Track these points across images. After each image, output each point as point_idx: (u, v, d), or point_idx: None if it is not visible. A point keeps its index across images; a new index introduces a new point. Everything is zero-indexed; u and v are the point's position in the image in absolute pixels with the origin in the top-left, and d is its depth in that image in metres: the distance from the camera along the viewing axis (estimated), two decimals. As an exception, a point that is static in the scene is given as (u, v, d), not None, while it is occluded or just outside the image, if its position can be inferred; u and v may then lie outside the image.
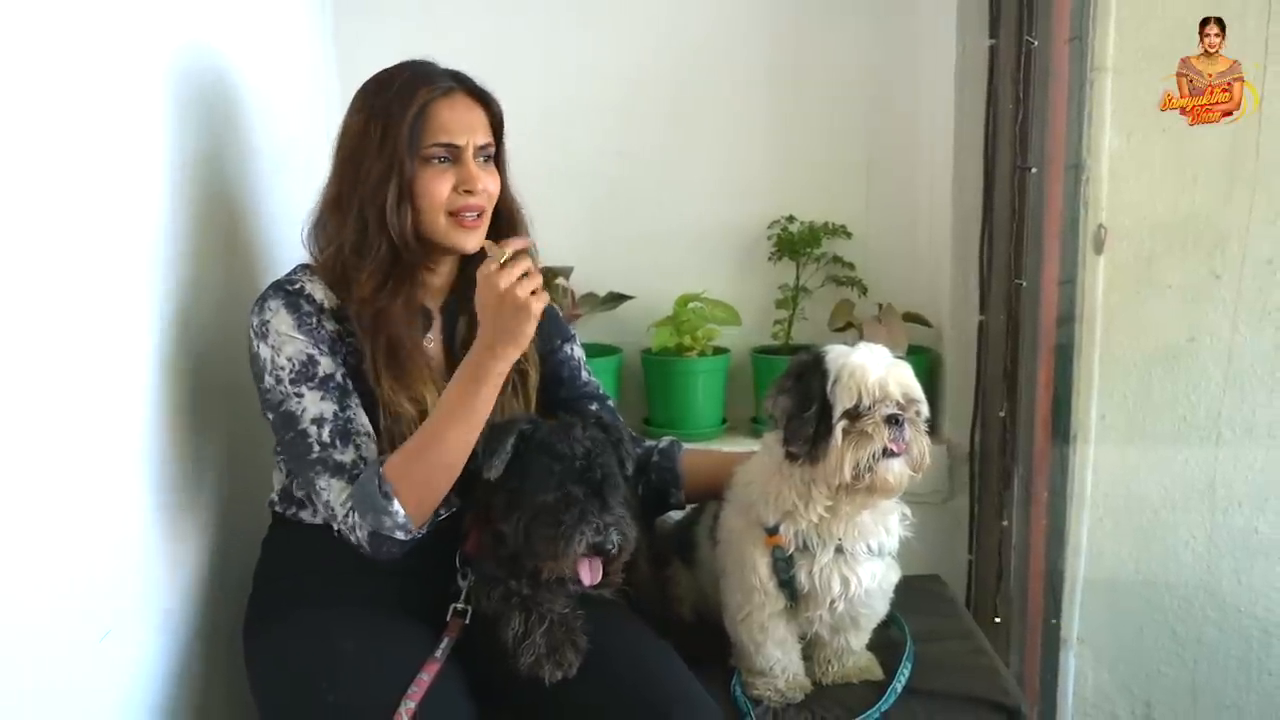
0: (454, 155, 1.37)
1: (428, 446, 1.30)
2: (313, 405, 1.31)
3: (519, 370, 1.48)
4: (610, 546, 1.25)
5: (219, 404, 1.50)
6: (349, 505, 1.29)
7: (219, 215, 1.57)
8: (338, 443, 1.31)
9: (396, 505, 1.27)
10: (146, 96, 1.35)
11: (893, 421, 1.26)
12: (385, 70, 1.40)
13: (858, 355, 1.29)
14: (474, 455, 1.33)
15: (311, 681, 1.24)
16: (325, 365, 1.34)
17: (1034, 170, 1.88)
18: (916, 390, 1.29)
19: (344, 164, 1.39)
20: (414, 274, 1.39)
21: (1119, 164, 1.88)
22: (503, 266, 1.28)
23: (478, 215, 1.39)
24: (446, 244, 1.39)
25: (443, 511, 1.37)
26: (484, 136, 1.40)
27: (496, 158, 1.44)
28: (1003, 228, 1.92)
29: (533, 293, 1.28)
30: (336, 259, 1.37)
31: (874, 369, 1.27)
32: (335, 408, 1.32)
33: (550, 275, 2.11)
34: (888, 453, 1.26)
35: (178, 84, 1.43)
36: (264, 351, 1.34)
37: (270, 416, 1.35)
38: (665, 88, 2.24)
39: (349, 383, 1.35)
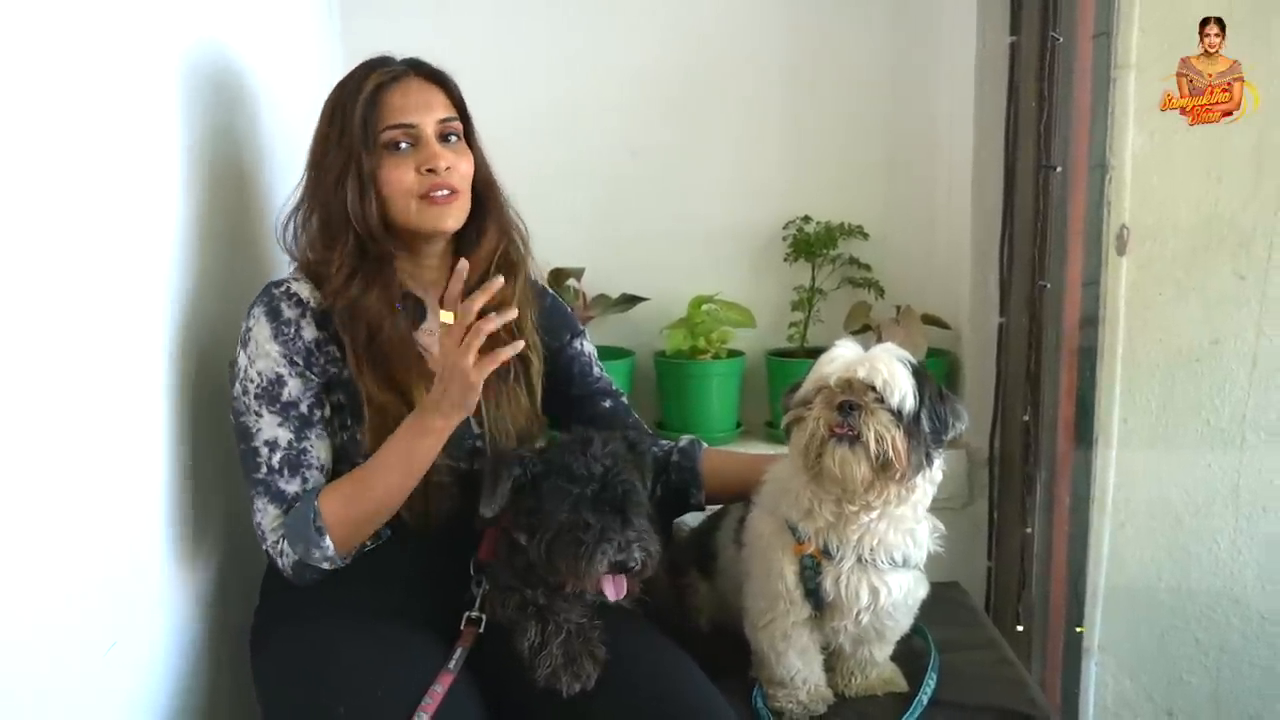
0: (413, 138, 1.35)
1: (364, 490, 1.31)
2: (269, 428, 1.32)
3: (520, 358, 1.44)
4: (633, 564, 1.23)
5: (226, 412, 1.47)
6: (280, 534, 1.30)
7: (232, 216, 1.56)
8: (285, 471, 1.32)
9: (327, 541, 1.29)
10: (162, 98, 1.33)
11: (842, 408, 1.24)
12: (348, 72, 1.39)
13: (834, 347, 1.30)
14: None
15: (321, 693, 1.22)
16: (292, 388, 1.33)
17: (1059, 169, 1.86)
18: (868, 376, 1.24)
19: (309, 166, 1.39)
20: (385, 265, 1.37)
21: (1142, 164, 1.86)
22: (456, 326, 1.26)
23: (450, 193, 1.36)
24: (424, 228, 1.36)
25: (370, 544, 1.36)
26: (443, 111, 1.38)
27: (467, 137, 1.42)
28: (1024, 228, 1.90)
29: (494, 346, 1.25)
30: (308, 257, 1.38)
31: (828, 356, 1.28)
32: (291, 436, 1.32)
33: (561, 276, 2.09)
34: (836, 439, 1.24)
35: (192, 84, 1.42)
36: (241, 359, 1.34)
37: (232, 420, 1.35)
38: (678, 85, 2.22)
39: (314, 413, 1.35)
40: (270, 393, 1.32)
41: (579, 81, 2.21)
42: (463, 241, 1.43)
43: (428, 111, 1.36)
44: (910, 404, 1.24)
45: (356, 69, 1.38)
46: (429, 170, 1.34)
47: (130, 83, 1.25)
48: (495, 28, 2.18)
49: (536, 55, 2.18)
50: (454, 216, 1.38)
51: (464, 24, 2.18)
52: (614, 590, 1.26)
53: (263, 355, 1.32)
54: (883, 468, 1.24)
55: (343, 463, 1.36)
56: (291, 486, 1.32)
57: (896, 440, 1.23)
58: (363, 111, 1.32)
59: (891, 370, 1.25)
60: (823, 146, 2.23)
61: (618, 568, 1.23)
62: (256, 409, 1.32)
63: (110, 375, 1.18)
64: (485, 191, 1.44)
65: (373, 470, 1.31)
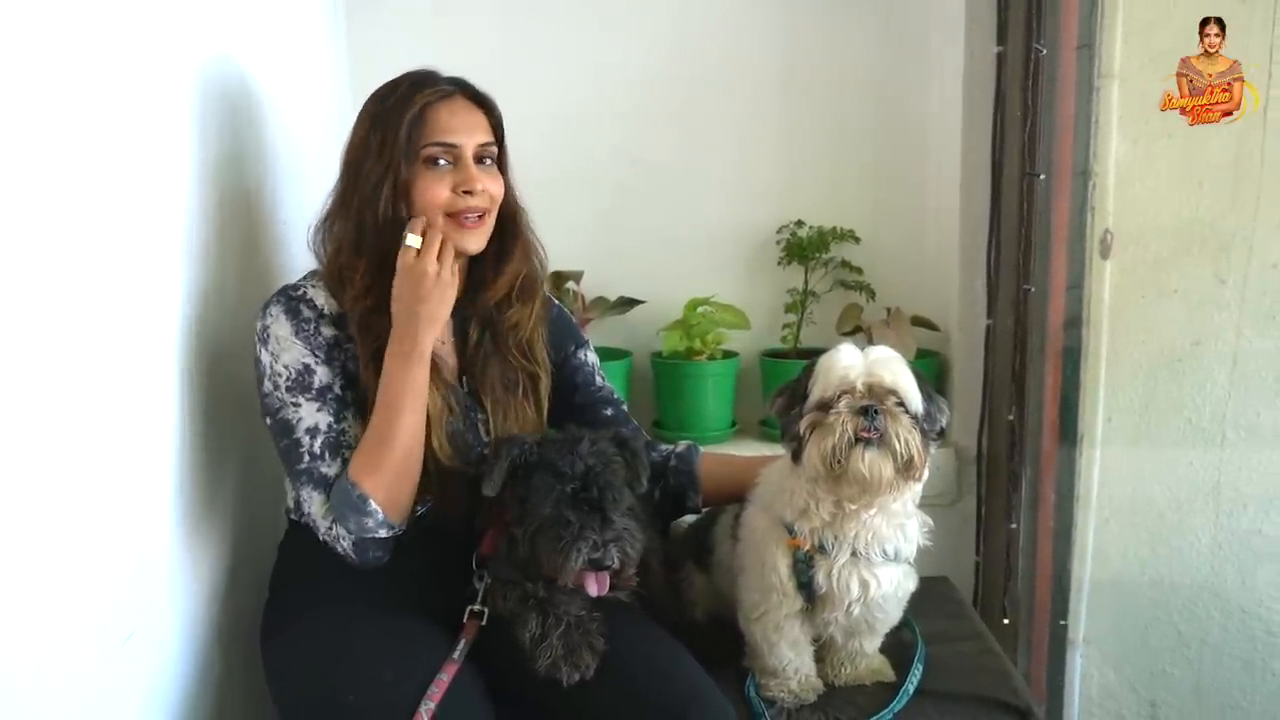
0: (453, 157, 1.38)
1: (384, 442, 1.32)
2: (309, 415, 1.34)
3: (529, 375, 1.50)
4: (610, 562, 1.26)
5: (237, 410, 1.51)
6: (330, 518, 1.32)
7: (239, 219, 1.59)
8: (326, 455, 1.33)
9: (373, 505, 1.30)
10: (175, 107, 1.37)
11: (864, 412, 1.26)
12: (389, 81, 1.42)
13: (838, 352, 1.31)
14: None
15: (330, 683, 1.24)
16: (321, 375, 1.36)
17: (1042, 177, 1.89)
18: (893, 382, 1.28)
19: (346, 171, 1.42)
20: None
21: (1125, 170, 1.88)
22: (422, 250, 1.33)
23: (479, 217, 1.40)
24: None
25: (419, 508, 1.39)
26: (484, 136, 1.41)
27: (499, 161, 1.45)
28: (1010, 233, 1.93)
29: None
30: (336, 260, 1.40)
31: (843, 362, 1.29)
32: (331, 419, 1.35)
33: (561, 279, 2.13)
34: (863, 443, 1.26)
35: (205, 100, 1.45)
36: (264, 357, 1.36)
37: (268, 421, 1.37)
38: (676, 93, 2.25)
39: (347, 394, 1.38)
40: (302, 382, 1.35)
41: (579, 88, 2.24)
42: (484, 263, 1.46)
43: (470, 134, 1.39)
44: (919, 405, 1.29)
45: (401, 82, 1.40)
46: (465, 191, 1.37)
47: (149, 104, 1.28)
48: (498, 37, 2.21)
49: (537, 63, 2.21)
50: (477, 240, 1.41)
51: (467, 33, 2.21)
52: (595, 586, 1.29)
53: (287, 348, 1.35)
54: (905, 467, 1.27)
55: None
56: (332, 469, 1.33)
57: (916, 441, 1.27)
58: (409, 125, 1.35)
59: (906, 374, 1.29)
60: (815, 154, 2.26)
61: (594, 565, 1.26)
62: (293, 400, 1.34)
63: (126, 379, 1.21)
64: (513, 216, 1.48)
65: (382, 421, 1.32)
